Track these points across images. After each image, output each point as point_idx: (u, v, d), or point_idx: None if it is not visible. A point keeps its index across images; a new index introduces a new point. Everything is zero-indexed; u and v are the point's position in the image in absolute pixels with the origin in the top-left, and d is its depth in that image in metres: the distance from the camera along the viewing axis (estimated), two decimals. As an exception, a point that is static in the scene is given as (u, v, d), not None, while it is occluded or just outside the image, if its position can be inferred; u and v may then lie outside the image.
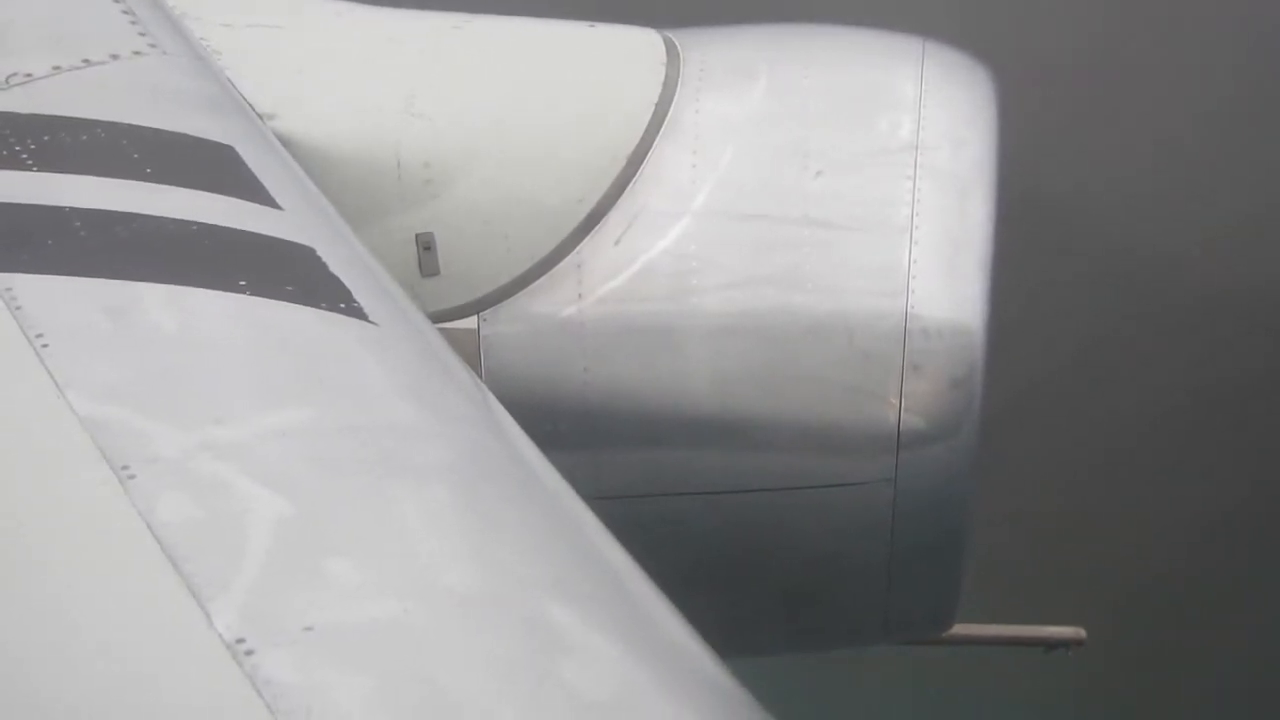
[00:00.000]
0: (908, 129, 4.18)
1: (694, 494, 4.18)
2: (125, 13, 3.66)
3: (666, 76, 4.25)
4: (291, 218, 3.15)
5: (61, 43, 3.48)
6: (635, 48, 4.35)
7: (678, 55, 4.31)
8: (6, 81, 3.33)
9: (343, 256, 3.07)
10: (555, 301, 4.11)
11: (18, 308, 2.69)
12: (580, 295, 4.10)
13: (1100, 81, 10.41)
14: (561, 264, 4.11)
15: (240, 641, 2.15)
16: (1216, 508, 9.49)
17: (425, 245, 4.08)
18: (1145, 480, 9.56)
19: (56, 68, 3.39)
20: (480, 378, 3.81)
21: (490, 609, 2.33)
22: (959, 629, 4.68)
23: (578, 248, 4.11)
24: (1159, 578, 9.21)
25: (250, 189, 3.18)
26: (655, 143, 4.17)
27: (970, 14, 9.34)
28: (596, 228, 4.12)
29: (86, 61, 3.43)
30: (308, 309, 2.84)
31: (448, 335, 3.48)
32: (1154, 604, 9.12)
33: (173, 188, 3.07)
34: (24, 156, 3.08)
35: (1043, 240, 9.12)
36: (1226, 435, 9.76)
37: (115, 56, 3.49)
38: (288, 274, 2.91)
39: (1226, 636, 9.13)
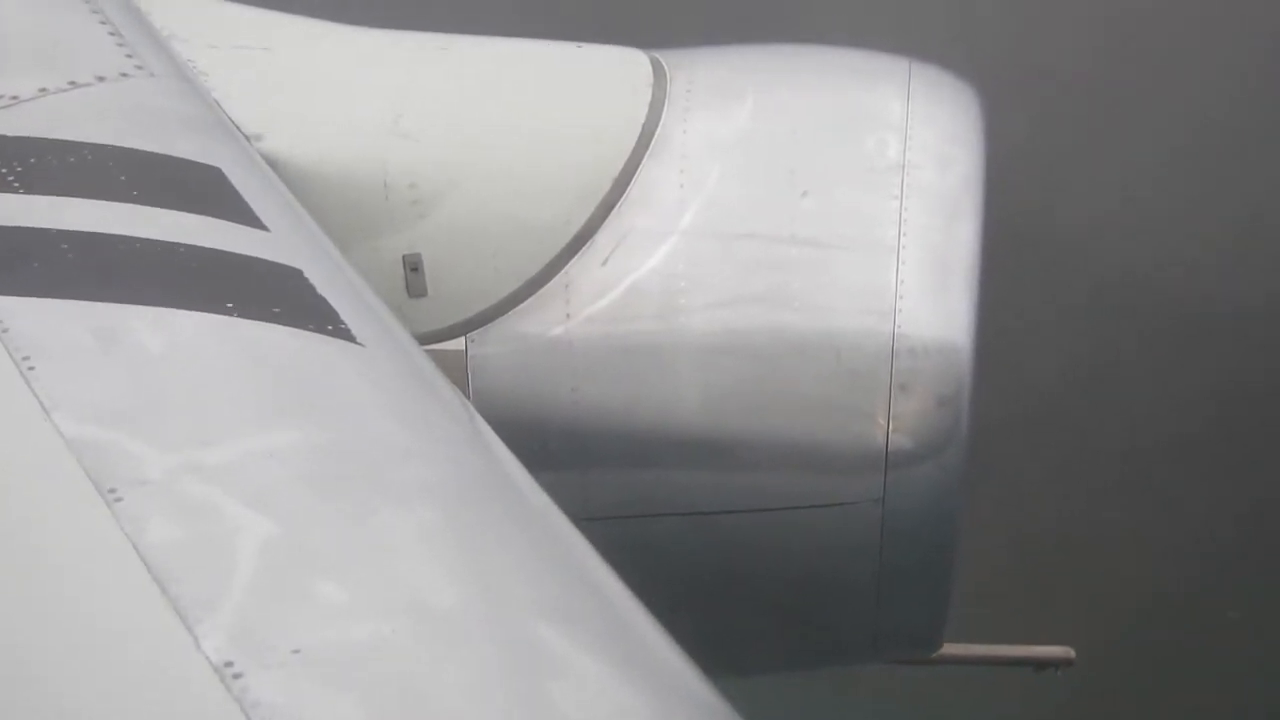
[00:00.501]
0: (895, 149, 4.18)
1: (682, 514, 4.18)
2: (111, 34, 3.66)
3: (654, 96, 4.26)
4: (278, 239, 3.14)
5: (48, 65, 3.48)
6: (622, 68, 4.35)
7: (665, 75, 4.31)
8: (-8, 104, 3.33)
9: (330, 278, 3.07)
10: (543, 322, 4.11)
11: (4, 330, 2.69)
12: (568, 315, 4.10)
13: (1090, 96, 10.43)
14: (549, 284, 4.11)
15: (228, 664, 2.15)
16: (1209, 526, 9.48)
17: (412, 266, 4.08)
18: (1136, 498, 9.56)
19: (43, 90, 3.39)
20: (468, 398, 3.81)
21: (478, 630, 2.32)
22: (948, 648, 4.68)
23: (565, 268, 4.11)
24: (1150, 597, 9.20)
25: (237, 210, 3.17)
26: (643, 163, 4.17)
27: (959, 33, 9.36)
28: (584, 248, 4.12)
29: (73, 84, 3.43)
30: (295, 330, 2.84)
31: (435, 356, 3.49)
32: (1145, 624, 9.11)
33: (159, 209, 3.07)
34: (10, 179, 3.07)
35: (1031, 257, 9.13)
36: (1219, 452, 9.76)
37: (101, 78, 3.49)
38: (275, 295, 2.91)
39: (1218, 656, 9.12)
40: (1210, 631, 9.17)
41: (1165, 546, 9.41)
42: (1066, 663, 5.40)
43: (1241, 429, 9.83)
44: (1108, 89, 10.42)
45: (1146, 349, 9.98)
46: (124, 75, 3.54)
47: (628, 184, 4.15)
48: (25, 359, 2.63)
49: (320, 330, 2.86)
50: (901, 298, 4.04)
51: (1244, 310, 9.98)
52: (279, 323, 2.84)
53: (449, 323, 4.12)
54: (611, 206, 4.13)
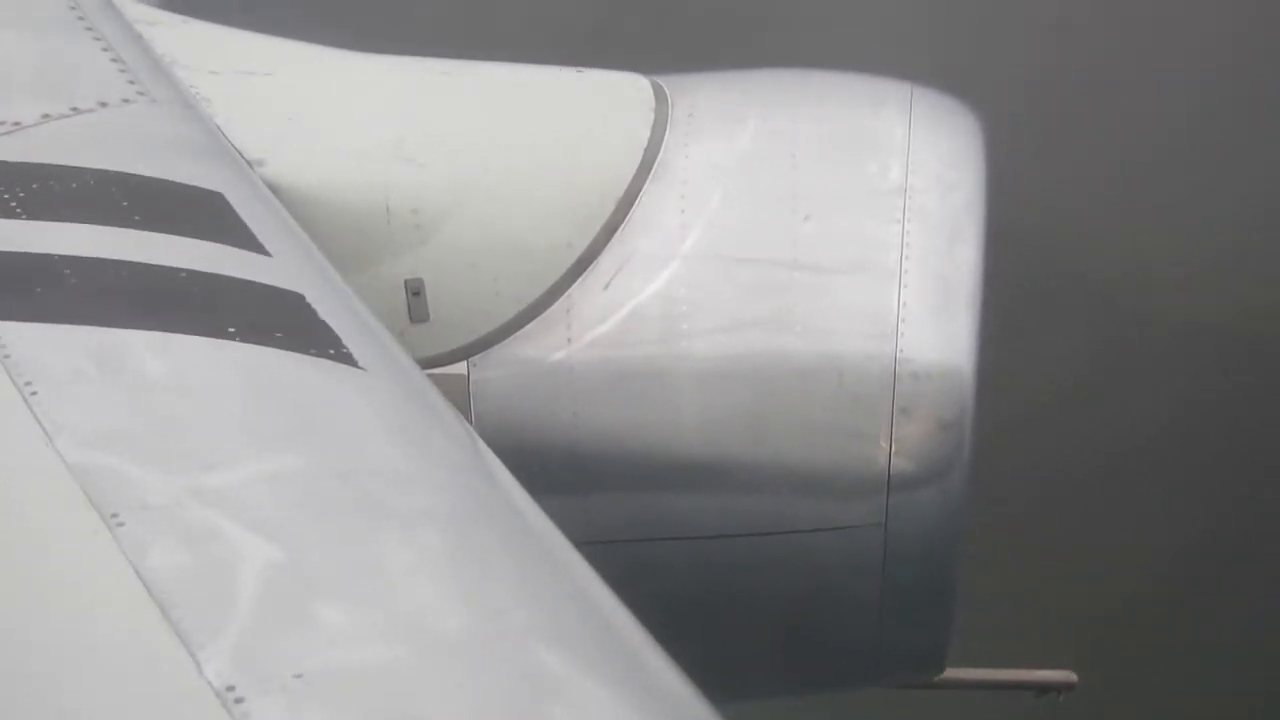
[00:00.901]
0: (896, 173, 4.19)
1: (683, 538, 4.17)
2: (114, 60, 3.67)
3: (655, 121, 4.27)
4: (280, 264, 3.15)
5: (50, 91, 3.49)
6: (624, 93, 4.36)
7: (667, 100, 4.32)
8: (-5, 129, 3.34)
9: (332, 302, 3.07)
10: (545, 346, 4.11)
11: (6, 355, 2.69)
12: (570, 340, 4.10)
13: (1082, 113, 10.44)
14: (551, 309, 4.12)
15: (230, 689, 2.15)
16: (1213, 549, 9.47)
17: (414, 291, 4.09)
18: (1139, 520, 9.55)
19: (45, 116, 3.40)
20: (470, 423, 3.81)
21: (481, 654, 2.32)
22: (949, 673, 4.68)
23: (567, 292, 4.12)
24: (1152, 619, 9.19)
25: (239, 235, 3.18)
26: (645, 187, 4.18)
27: (952, 56, 9.37)
28: (586, 272, 4.12)
29: (75, 109, 3.44)
30: (297, 355, 2.84)
31: (437, 380, 3.48)
32: (1147, 647, 9.10)
33: (162, 235, 3.07)
34: (13, 204, 3.08)
35: (1028, 277, 9.13)
36: (1219, 468, 9.75)
37: (104, 104, 3.50)
38: (276, 320, 2.92)
39: (1221, 677, 9.11)
40: (1213, 650, 9.16)
41: (1174, 567, 9.40)
42: (1068, 687, 5.41)
43: (1243, 443, 9.82)
44: (1107, 90, 10.43)
45: (1150, 363, 9.97)
46: (126, 101, 3.55)
47: (630, 208, 4.16)
48: (28, 384, 2.64)
49: (322, 355, 2.87)
50: (903, 321, 4.05)
51: (1240, 327, 9.98)
52: (281, 347, 2.84)
53: (451, 347, 4.12)
54: (613, 231, 4.14)
